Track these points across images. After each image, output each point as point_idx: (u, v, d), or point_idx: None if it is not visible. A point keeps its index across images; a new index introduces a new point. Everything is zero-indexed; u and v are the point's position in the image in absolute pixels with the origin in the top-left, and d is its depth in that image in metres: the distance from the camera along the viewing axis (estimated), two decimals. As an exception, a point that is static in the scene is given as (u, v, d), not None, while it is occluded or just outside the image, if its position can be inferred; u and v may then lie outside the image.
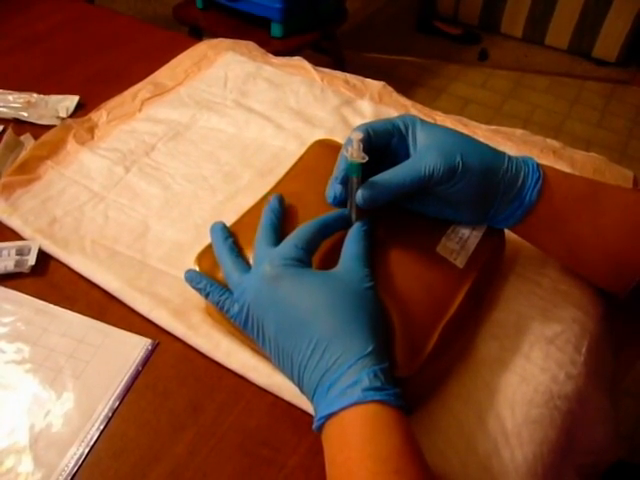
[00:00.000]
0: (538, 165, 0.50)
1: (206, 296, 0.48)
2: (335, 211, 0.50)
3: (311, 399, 0.42)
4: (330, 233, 0.49)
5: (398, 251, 0.50)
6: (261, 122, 0.78)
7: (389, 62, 2.51)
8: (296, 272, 0.44)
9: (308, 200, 0.55)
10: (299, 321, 0.42)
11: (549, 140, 0.77)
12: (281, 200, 0.53)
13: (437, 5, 2.77)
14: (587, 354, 0.54)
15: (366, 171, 0.47)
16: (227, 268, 0.48)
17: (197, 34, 1.86)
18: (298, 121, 0.78)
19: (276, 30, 1.69)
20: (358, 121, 0.78)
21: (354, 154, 0.46)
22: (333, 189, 0.50)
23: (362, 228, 0.48)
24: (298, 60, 0.91)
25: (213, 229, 0.52)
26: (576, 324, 0.55)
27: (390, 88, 0.86)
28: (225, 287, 0.48)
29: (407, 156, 0.49)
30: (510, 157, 0.50)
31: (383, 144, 0.50)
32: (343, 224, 0.49)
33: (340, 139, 0.67)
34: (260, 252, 0.47)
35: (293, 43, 1.72)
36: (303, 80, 0.86)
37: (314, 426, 0.41)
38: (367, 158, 0.46)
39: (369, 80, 0.87)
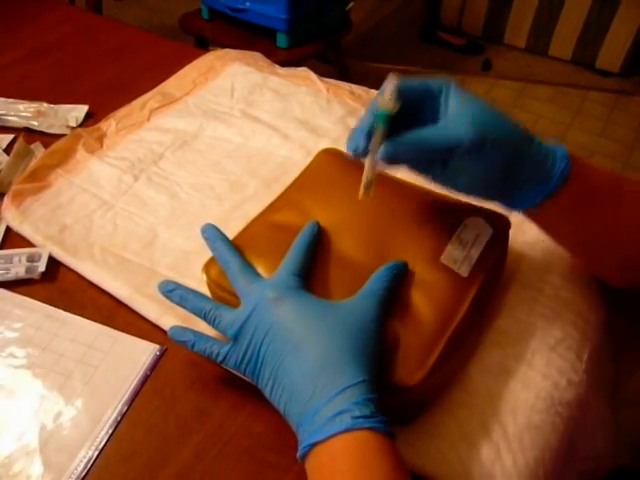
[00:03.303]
0: (568, 155, 0.48)
1: (192, 348, 0.48)
2: (308, 226, 0.51)
3: (296, 427, 0.41)
4: (314, 251, 0.50)
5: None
6: (267, 132, 0.79)
7: (393, 72, 2.53)
8: (299, 297, 0.45)
9: (313, 209, 0.56)
10: (294, 346, 0.42)
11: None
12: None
13: (441, 16, 2.79)
14: (588, 361, 0.54)
15: (390, 128, 0.45)
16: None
17: (203, 44, 1.88)
18: (304, 131, 0.79)
19: (282, 40, 1.71)
20: (363, 131, 0.79)
21: (385, 100, 0.44)
22: (356, 140, 0.47)
23: (394, 270, 0.48)
24: (304, 71, 0.93)
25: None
26: (577, 331, 0.56)
27: (394, 99, 0.87)
28: (208, 336, 0.49)
29: (435, 120, 0.47)
30: (540, 141, 0.48)
31: (413, 102, 0.47)
32: (318, 236, 0.51)
33: (345, 149, 0.68)
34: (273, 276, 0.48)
35: (298, 53, 1.74)
36: (309, 90, 0.87)
37: (298, 454, 0.40)
38: (398, 107, 0.44)
39: (374, 91, 0.89)
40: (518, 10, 2.60)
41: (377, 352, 0.43)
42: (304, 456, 0.40)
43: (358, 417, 0.38)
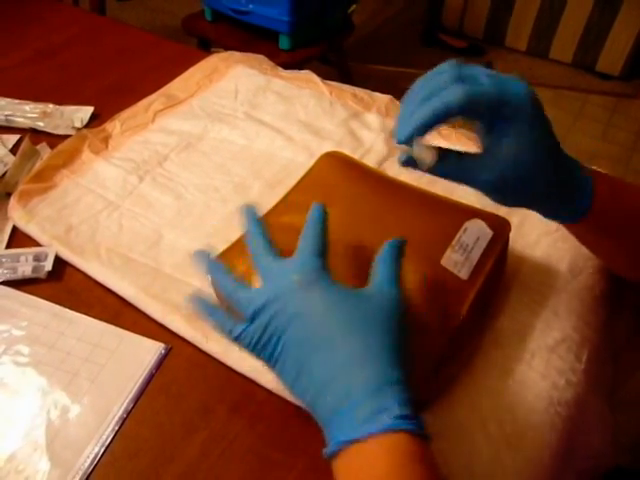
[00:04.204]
0: (593, 183, 0.48)
1: (209, 317, 0.46)
2: (316, 207, 0.47)
3: (324, 422, 0.39)
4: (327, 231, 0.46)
5: (403, 265, 0.51)
6: (271, 134, 0.80)
7: (395, 74, 2.54)
8: (328, 284, 0.42)
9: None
10: (326, 337, 0.39)
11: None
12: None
13: (442, 18, 2.80)
14: (587, 362, 0.55)
15: None
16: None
17: (206, 46, 1.89)
18: (307, 133, 0.80)
19: (284, 42, 1.72)
20: (365, 134, 0.80)
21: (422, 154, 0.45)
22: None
23: (397, 247, 0.45)
24: (307, 74, 0.94)
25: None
26: (577, 333, 0.57)
27: (397, 102, 0.88)
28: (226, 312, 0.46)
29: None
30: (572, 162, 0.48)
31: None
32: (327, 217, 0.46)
33: (348, 151, 0.69)
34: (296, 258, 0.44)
35: (301, 55, 1.74)
36: (312, 93, 0.88)
37: (327, 451, 0.38)
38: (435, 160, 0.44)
39: (376, 94, 0.90)
40: (519, 13, 2.60)
41: (408, 344, 0.41)
42: (334, 453, 0.38)
43: (397, 417, 0.36)
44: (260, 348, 0.42)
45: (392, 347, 0.40)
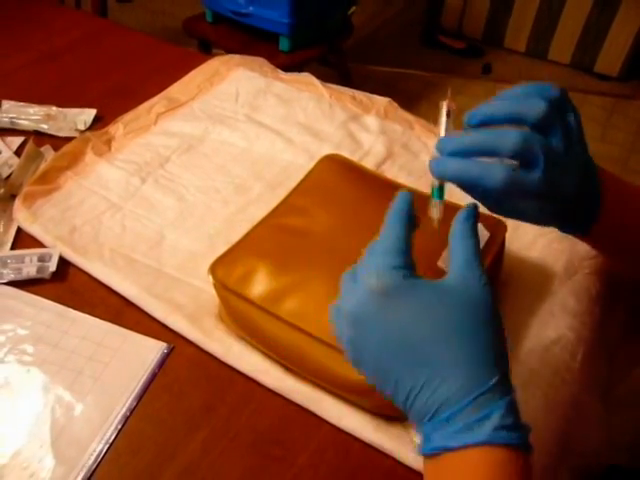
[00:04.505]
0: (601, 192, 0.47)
1: None
2: (403, 194, 0.43)
3: (419, 423, 0.37)
4: (415, 222, 0.42)
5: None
6: (271, 136, 0.81)
7: (394, 75, 2.55)
8: (408, 286, 0.38)
9: (316, 213, 0.58)
10: (412, 345, 0.36)
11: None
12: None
13: (442, 19, 2.81)
14: (582, 361, 0.56)
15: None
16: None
17: (206, 47, 1.90)
18: (307, 136, 0.81)
19: (284, 44, 1.73)
20: (364, 136, 0.81)
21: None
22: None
23: (469, 222, 0.40)
24: (307, 76, 0.95)
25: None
26: (572, 332, 0.58)
27: (395, 104, 0.89)
28: None
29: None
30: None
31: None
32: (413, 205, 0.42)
33: (347, 153, 0.71)
34: (371, 259, 0.40)
35: (300, 57, 1.75)
36: (311, 96, 0.89)
37: (421, 450, 0.36)
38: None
39: (375, 96, 0.91)
40: (518, 14, 2.62)
41: (501, 334, 0.38)
42: (427, 454, 0.36)
43: (499, 428, 0.34)
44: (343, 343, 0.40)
45: (486, 344, 0.37)
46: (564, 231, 0.50)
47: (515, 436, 0.34)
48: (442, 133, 0.45)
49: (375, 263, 0.39)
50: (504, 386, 0.36)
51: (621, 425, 1.24)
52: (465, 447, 0.34)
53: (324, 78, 0.94)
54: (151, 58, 0.99)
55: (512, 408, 0.35)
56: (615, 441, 0.63)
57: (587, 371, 0.56)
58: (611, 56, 2.50)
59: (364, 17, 2.84)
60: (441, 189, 0.44)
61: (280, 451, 0.50)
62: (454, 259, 0.39)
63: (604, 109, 2.41)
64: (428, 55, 2.72)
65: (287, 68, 0.99)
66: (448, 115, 0.43)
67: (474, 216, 0.41)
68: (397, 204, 0.42)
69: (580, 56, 2.57)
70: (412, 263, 0.39)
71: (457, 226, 0.40)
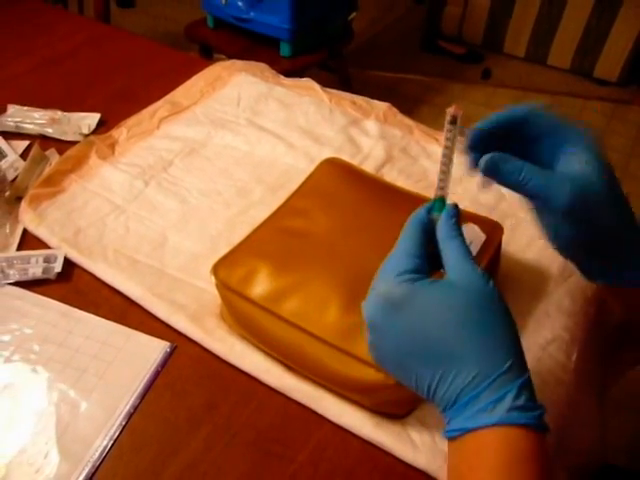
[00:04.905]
0: None
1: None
2: (423, 207, 0.45)
3: (443, 411, 0.39)
4: (432, 228, 0.44)
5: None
6: (272, 140, 0.82)
7: (394, 80, 2.57)
8: (413, 290, 0.40)
9: (316, 216, 0.59)
10: (424, 345, 0.39)
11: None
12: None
13: (442, 25, 2.83)
14: (577, 361, 0.57)
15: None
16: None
17: (207, 52, 1.92)
18: (307, 140, 0.82)
19: (285, 49, 1.74)
20: (364, 140, 0.83)
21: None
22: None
23: (452, 220, 0.43)
24: (307, 81, 0.96)
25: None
26: (567, 333, 0.59)
27: (395, 109, 0.90)
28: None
29: (554, 151, 0.46)
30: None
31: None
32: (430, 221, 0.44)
33: (347, 157, 0.72)
34: (384, 266, 0.43)
35: (301, 62, 1.77)
36: (312, 100, 0.90)
37: (446, 434, 0.39)
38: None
39: (375, 101, 0.92)
40: (518, 20, 2.63)
41: (509, 318, 0.40)
42: (452, 438, 0.39)
43: (512, 409, 0.36)
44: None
45: (495, 330, 0.39)
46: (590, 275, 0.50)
47: (529, 416, 0.36)
48: (444, 141, 0.46)
49: (384, 269, 0.42)
50: (518, 368, 0.38)
51: (618, 427, 1.25)
52: (482, 428, 0.36)
53: (325, 83, 0.96)
54: (153, 63, 1.00)
55: (525, 390, 0.37)
56: (612, 443, 0.64)
57: (582, 371, 0.57)
58: (611, 61, 2.51)
59: (364, 23, 2.86)
60: (442, 202, 0.45)
61: (281, 448, 0.51)
62: (447, 258, 0.42)
63: (603, 114, 2.42)
64: (428, 60, 2.73)
65: (288, 73, 1.00)
66: (454, 122, 0.44)
67: (456, 215, 0.43)
68: (415, 214, 0.45)
69: (579, 61, 2.59)
70: (423, 267, 0.41)
71: (443, 227, 0.43)
